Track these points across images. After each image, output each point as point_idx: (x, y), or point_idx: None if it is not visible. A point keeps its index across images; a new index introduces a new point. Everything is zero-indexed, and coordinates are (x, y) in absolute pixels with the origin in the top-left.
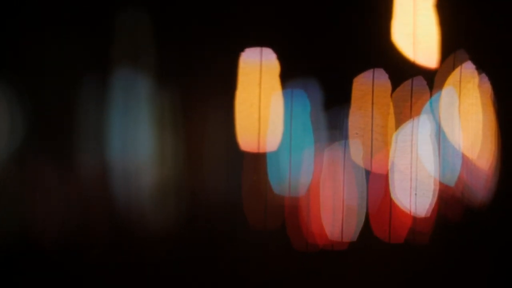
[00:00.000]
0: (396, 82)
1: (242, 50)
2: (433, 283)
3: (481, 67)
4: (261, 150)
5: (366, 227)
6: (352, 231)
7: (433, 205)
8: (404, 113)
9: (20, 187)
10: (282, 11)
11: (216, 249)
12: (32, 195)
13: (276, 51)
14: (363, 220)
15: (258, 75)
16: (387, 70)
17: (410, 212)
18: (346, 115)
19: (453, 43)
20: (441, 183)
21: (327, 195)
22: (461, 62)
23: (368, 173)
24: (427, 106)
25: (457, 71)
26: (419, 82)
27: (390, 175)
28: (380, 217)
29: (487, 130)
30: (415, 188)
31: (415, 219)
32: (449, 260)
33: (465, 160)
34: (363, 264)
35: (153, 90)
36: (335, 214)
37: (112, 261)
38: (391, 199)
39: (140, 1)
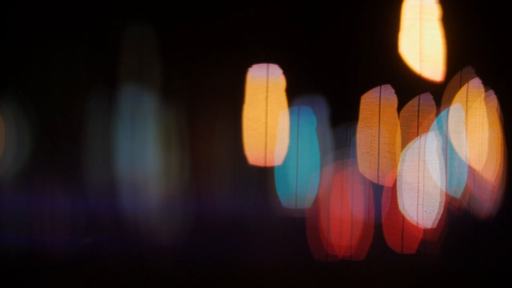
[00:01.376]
0: (403, 98)
1: (249, 66)
2: None
3: (488, 83)
4: (268, 164)
5: (377, 240)
6: (358, 243)
7: (440, 216)
8: (412, 129)
9: (28, 201)
10: (289, 28)
11: (221, 261)
12: (40, 208)
13: (282, 67)
14: (372, 232)
15: (265, 91)
16: (395, 86)
17: (417, 224)
18: (353, 132)
19: (460, 58)
20: (447, 195)
21: (334, 208)
22: (468, 78)
23: (376, 186)
24: (434, 122)
25: (464, 87)
26: (426, 98)
27: (398, 189)
28: (391, 229)
29: (493, 143)
30: (423, 202)
31: (424, 231)
32: (457, 270)
33: (471, 172)
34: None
35: (161, 105)
36: (341, 226)
37: (120, 272)
38: (400, 212)
39: (146, 17)
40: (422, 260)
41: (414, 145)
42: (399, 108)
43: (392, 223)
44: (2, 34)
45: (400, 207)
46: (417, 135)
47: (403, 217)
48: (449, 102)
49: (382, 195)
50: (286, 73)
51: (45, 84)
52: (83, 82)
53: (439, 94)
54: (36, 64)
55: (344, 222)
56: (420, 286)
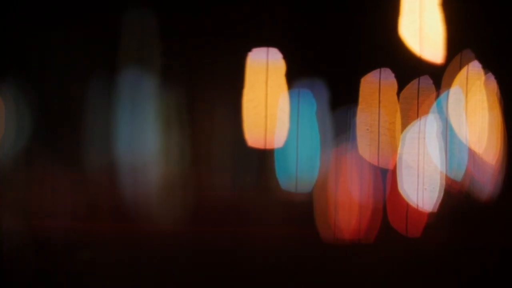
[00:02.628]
0: (403, 80)
1: (249, 50)
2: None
3: (487, 66)
4: (268, 147)
5: (379, 222)
6: (358, 226)
7: (440, 199)
8: (412, 111)
9: (27, 185)
10: (288, 11)
11: (221, 245)
12: (40, 192)
13: (282, 51)
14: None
15: (264, 75)
16: (394, 69)
17: (418, 206)
18: (353, 115)
19: (460, 41)
20: (448, 178)
21: (334, 192)
22: (467, 61)
23: (376, 169)
24: (434, 104)
25: (463, 70)
26: (426, 81)
27: (398, 171)
28: (394, 212)
29: (493, 126)
30: (423, 183)
31: (427, 214)
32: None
33: (472, 155)
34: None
35: (160, 89)
36: (343, 210)
37: (119, 256)
38: (401, 195)
39: (146, 2)
40: (426, 243)
41: (415, 124)
42: (399, 91)
43: (394, 206)
44: (2, 19)
45: (400, 189)
46: (418, 115)
47: (405, 200)
48: (449, 85)
49: (383, 178)
50: (286, 56)
51: (45, 68)
52: (83, 66)
53: (439, 76)
54: (37, 48)
55: (343, 205)
56: (423, 268)
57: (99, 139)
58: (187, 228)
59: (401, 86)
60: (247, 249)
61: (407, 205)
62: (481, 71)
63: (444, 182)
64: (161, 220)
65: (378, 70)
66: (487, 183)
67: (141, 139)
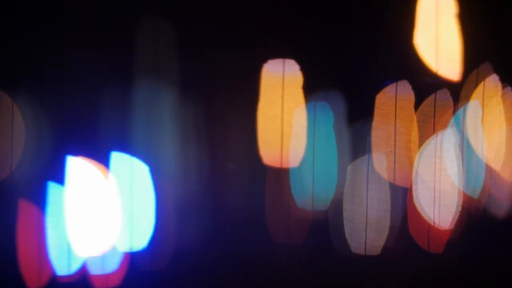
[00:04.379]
0: (420, 94)
1: (264, 61)
2: None
3: (505, 80)
4: (284, 164)
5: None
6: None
7: (456, 216)
8: (428, 126)
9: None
10: (304, 23)
11: (238, 263)
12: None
13: (299, 62)
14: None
15: (281, 87)
16: (411, 82)
17: (434, 223)
18: (369, 128)
19: (477, 54)
20: (465, 194)
21: (351, 208)
22: (485, 75)
23: (392, 186)
24: (452, 119)
25: (481, 83)
26: (443, 95)
27: (414, 187)
28: (413, 229)
29: (511, 142)
30: (439, 199)
31: (445, 231)
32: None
33: (489, 171)
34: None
35: (176, 103)
36: (358, 226)
37: (135, 274)
38: (418, 212)
39: (162, 13)
40: (445, 260)
41: (431, 139)
42: (416, 105)
43: (414, 222)
44: (17, 29)
45: (417, 206)
46: (434, 130)
47: (422, 217)
48: (466, 99)
49: (400, 195)
50: (302, 69)
51: (61, 80)
52: (99, 79)
53: (456, 90)
54: (52, 59)
55: (361, 223)
56: (441, 285)
57: (115, 152)
58: (202, 244)
59: (418, 98)
60: (262, 266)
61: (427, 222)
62: (499, 85)
63: (461, 199)
64: (176, 236)
65: (394, 83)
66: (505, 199)
67: (157, 153)
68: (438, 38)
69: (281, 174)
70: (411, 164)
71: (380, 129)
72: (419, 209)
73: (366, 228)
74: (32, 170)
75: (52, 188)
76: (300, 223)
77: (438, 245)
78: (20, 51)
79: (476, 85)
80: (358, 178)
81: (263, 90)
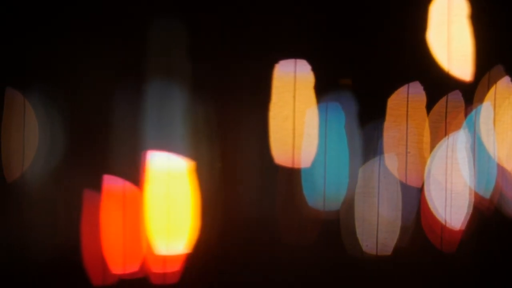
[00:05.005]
0: (432, 95)
1: (276, 61)
2: None
3: None
4: (296, 164)
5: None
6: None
7: (468, 216)
8: (441, 127)
9: (58, 201)
10: (317, 22)
11: (250, 263)
12: (69, 210)
13: (310, 62)
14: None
15: (292, 88)
16: (423, 83)
17: (446, 223)
18: (381, 129)
19: (489, 55)
20: (477, 194)
21: (362, 209)
22: (497, 76)
23: (404, 186)
24: (464, 120)
25: (493, 85)
26: (456, 96)
27: (426, 188)
28: (426, 229)
29: None
30: (451, 200)
31: (458, 231)
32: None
33: (501, 172)
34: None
35: (187, 103)
36: (373, 227)
37: (145, 274)
38: (431, 212)
39: (174, 13)
40: (458, 260)
41: (444, 140)
42: (428, 106)
43: (426, 223)
44: (30, 27)
45: (430, 206)
46: (446, 131)
47: (435, 217)
48: (478, 100)
49: (413, 195)
50: (314, 69)
51: (73, 82)
52: (111, 80)
53: (468, 91)
54: (65, 58)
55: (373, 223)
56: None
57: (127, 152)
58: (213, 244)
59: (430, 99)
60: (273, 266)
61: (440, 222)
62: (511, 87)
63: (473, 199)
64: (187, 236)
65: (406, 84)
66: None
67: (169, 153)
68: (450, 40)
69: (292, 174)
70: (423, 165)
71: (392, 130)
72: (431, 209)
73: (378, 228)
74: (45, 169)
75: None
76: (312, 223)
77: (451, 245)
78: (32, 49)
79: (489, 86)
80: (370, 178)
81: (274, 90)
